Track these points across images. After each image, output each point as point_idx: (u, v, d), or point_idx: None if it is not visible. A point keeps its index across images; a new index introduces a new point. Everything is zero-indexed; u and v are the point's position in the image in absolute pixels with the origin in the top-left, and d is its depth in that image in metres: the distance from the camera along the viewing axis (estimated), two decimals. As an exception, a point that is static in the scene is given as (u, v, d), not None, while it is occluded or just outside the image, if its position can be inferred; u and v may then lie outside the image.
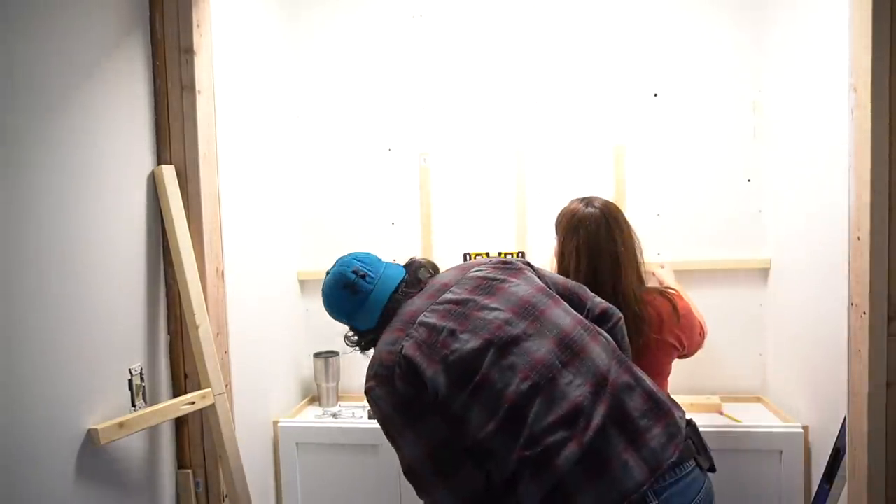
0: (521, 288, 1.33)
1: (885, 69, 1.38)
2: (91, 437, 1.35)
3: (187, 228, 1.64)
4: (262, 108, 2.19)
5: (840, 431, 1.67)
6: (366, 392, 1.32)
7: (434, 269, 1.50)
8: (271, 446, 2.22)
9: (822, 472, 1.76)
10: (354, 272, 1.41)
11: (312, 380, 2.44)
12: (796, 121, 2.00)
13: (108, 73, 1.47)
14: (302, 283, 2.50)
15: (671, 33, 2.26)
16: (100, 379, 1.42)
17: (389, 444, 1.30)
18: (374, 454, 2.14)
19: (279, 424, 2.21)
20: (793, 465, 1.95)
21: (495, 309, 1.28)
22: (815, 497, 1.79)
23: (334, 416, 2.28)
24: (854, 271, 1.50)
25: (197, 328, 1.62)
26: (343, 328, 1.48)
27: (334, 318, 1.47)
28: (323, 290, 1.45)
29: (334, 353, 2.40)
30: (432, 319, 1.29)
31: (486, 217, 2.39)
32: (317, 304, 2.50)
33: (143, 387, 1.56)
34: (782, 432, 1.95)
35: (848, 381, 1.54)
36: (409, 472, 1.27)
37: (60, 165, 1.32)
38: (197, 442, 1.71)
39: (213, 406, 1.64)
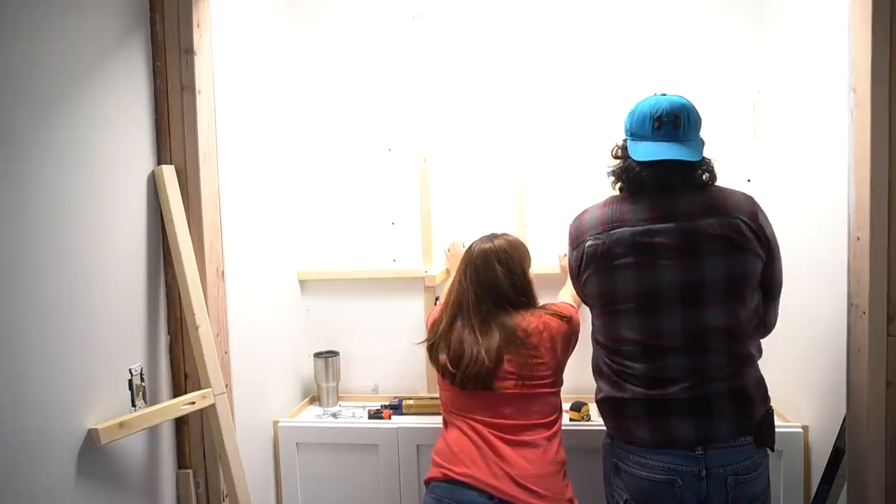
0: None
1: (885, 69, 1.39)
2: (91, 437, 1.36)
3: (187, 228, 1.64)
4: (262, 109, 2.19)
5: (840, 431, 1.67)
6: None
7: None
8: (271, 446, 2.22)
9: (822, 472, 1.76)
10: None
11: (312, 380, 2.44)
12: (796, 121, 2.00)
13: (108, 73, 1.47)
14: (302, 283, 2.50)
15: (671, 33, 2.26)
16: (100, 379, 1.42)
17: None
18: (374, 454, 2.14)
19: (279, 424, 2.21)
20: (793, 465, 1.95)
21: None
22: (814, 497, 1.78)
23: (334, 416, 2.28)
24: (854, 271, 1.50)
25: (197, 328, 1.62)
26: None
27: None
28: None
29: (334, 353, 2.40)
30: None
31: (487, 217, 2.39)
32: (317, 304, 2.53)
33: (144, 387, 1.56)
34: (782, 432, 1.94)
35: (848, 381, 1.54)
36: None
37: (60, 165, 1.32)
38: (197, 442, 1.71)
39: (213, 406, 1.64)
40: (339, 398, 2.43)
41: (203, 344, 1.63)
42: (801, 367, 1.97)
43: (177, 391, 1.68)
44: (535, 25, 2.33)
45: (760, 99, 2.22)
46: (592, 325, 1.63)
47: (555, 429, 1.66)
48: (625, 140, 1.55)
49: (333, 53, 2.43)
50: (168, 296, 1.67)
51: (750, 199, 1.48)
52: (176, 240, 1.61)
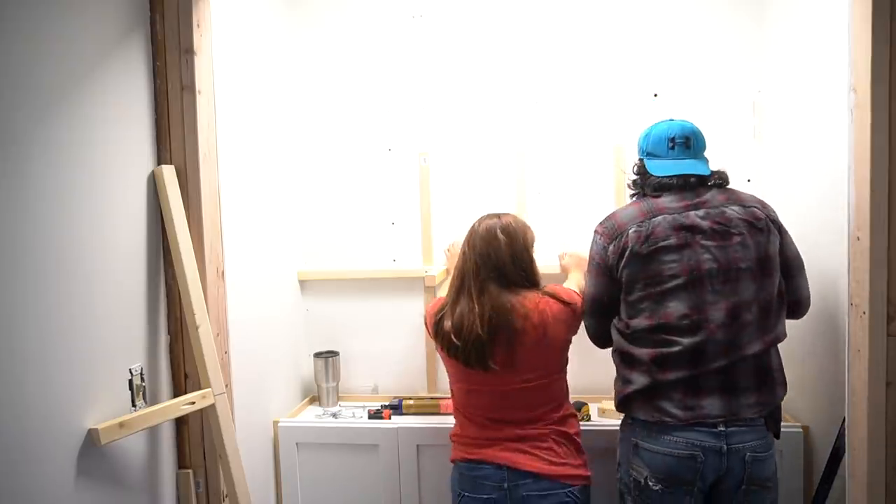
0: None
1: (885, 69, 1.38)
2: (91, 436, 1.36)
3: (187, 228, 1.64)
4: (262, 108, 2.19)
5: (840, 431, 1.67)
6: None
7: None
8: (271, 446, 2.22)
9: (822, 472, 1.76)
10: None
11: (312, 380, 2.44)
12: (796, 121, 2.00)
13: (108, 73, 1.47)
14: (302, 283, 2.50)
15: (671, 33, 2.26)
16: (100, 379, 1.42)
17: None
18: (374, 454, 2.14)
19: (279, 424, 2.22)
20: (793, 465, 1.95)
21: None
22: (814, 497, 1.79)
23: (334, 416, 2.28)
24: (854, 271, 1.50)
25: (197, 328, 1.62)
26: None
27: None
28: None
29: (334, 353, 2.40)
30: None
31: (486, 217, 2.39)
32: (317, 303, 2.53)
33: (144, 387, 1.56)
34: (782, 432, 1.94)
35: (848, 381, 1.54)
36: None
37: (60, 165, 1.32)
38: (197, 442, 1.71)
39: (213, 406, 1.64)
40: (339, 398, 2.43)
41: (203, 344, 1.63)
42: (801, 367, 1.97)
43: (177, 391, 1.68)
44: (535, 25, 2.33)
45: (760, 99, 2.22)
46: (624, 314, 1.65)
47: (564, 408, 1.72)
48: (641, 159, 1.74)
49: (333, 53, 2.43)
50: (168, 296, 1.67)
51: (755, 196, 1.68)
52: (176, 240, 1.61)
